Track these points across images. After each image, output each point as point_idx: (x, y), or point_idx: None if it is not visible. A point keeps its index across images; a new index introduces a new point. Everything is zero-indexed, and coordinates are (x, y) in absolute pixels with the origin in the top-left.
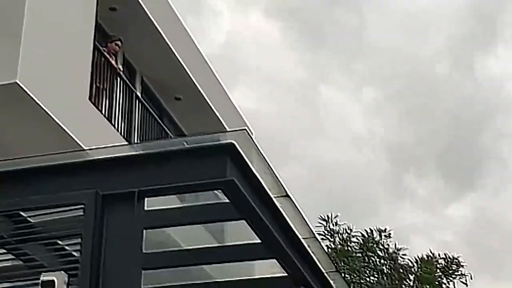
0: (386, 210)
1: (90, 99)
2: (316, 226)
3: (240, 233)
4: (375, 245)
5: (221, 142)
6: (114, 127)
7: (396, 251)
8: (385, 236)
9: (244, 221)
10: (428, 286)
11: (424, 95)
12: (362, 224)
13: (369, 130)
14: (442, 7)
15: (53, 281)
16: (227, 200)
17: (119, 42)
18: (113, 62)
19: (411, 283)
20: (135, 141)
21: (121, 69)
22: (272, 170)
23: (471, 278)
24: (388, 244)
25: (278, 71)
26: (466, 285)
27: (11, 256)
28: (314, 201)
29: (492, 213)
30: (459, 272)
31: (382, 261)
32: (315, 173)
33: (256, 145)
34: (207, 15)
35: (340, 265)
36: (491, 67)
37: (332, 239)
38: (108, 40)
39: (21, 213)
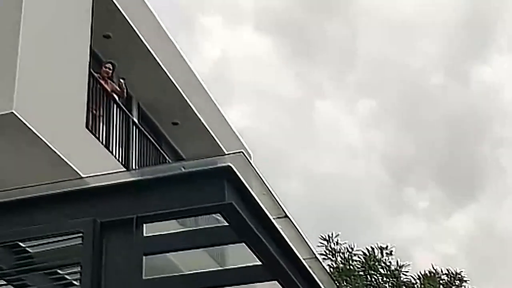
0: (387, 224)
1: (87, 126)
2: (318, 246)
3: (241, 255)
4: (377, 263)
5: (218, 165)
6: (112, 153)
7: (398, 268)
8: (386, 253)
9: (244, 243)
10: None
11: (420, 105)
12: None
13: (366, 142)
14: (435, 16)
15: None
16: (227, 223)
17: (109, 65)
18: (107, 87)
19: None
20: (134, 167)
21: (124, 88)
22: (271, 191)
23: None
24: (390, 261)
25: (271, 86)
26: None
27: None
28: (312, 216)
29: (494, 223)
30: (462, 287)
31: (384, 278)
32: (313, 188)
33: (253, 167)
34: (199, 33)
35: (342, 284)
36: (486, 75)
37: (333, 259)
38: (101, 65)
39: (20, 243)
